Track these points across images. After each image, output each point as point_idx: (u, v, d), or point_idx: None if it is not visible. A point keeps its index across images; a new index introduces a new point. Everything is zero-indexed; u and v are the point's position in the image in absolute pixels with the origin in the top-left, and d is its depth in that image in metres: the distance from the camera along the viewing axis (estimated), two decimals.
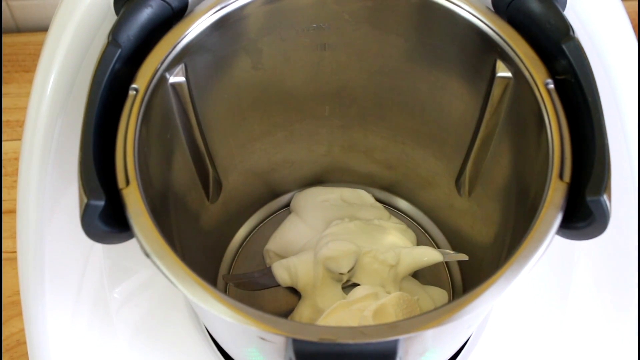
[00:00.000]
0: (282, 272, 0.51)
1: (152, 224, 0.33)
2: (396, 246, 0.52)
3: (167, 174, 0.41)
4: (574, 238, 0.34)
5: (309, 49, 0.45)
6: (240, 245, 0.57)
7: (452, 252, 0.54)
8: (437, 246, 0.57)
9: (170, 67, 0.39)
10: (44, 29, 0.52)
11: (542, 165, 0.35)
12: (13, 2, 0.79)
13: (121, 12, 0.38)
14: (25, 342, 0.46)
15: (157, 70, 0.37)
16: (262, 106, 0.48)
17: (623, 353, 0.46)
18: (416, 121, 0.50)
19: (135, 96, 0.36)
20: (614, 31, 0.44)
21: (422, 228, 0.58)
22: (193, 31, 0.39)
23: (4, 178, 0.70)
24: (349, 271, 0.50)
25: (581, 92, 0.35)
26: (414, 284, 0.52)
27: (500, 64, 0.40)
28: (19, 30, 0.83)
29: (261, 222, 0.59)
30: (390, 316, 0.45)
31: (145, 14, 0.38)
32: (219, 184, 0.50)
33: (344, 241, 0.50)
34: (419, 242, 0.56)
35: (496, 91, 0.41)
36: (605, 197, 0.32)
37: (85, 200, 0.31)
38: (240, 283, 0.52)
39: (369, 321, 0.44)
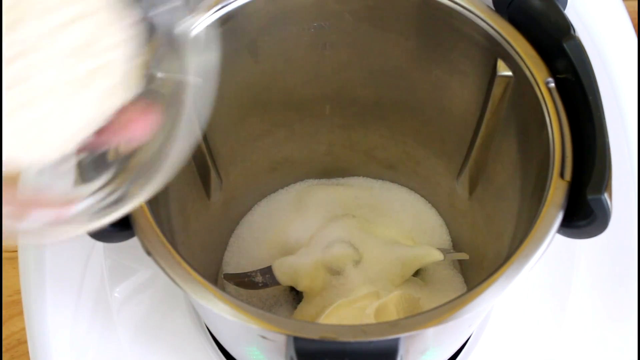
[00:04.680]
0: (282, 271, 0.51)
1: (153, 223, 0.33)
2: (397, 243, 0.52)
3: None
4: (575, 237, 0.34)
5: (310, 48, 0.45)
6: None
7: (452, 251, 0.54)
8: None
9: None
10: None
11: (543, 164, 0.35)
12: None
13: None
14: (26, 341, 0.46)
15: None
16: (263, 105, 0.48)
17: (623, 353, 0.46)
18: (417, 120, 0.50)
19: None
20: (615, 30, 0.44)
21: None
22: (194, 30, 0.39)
23: None
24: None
25: (582, 90, 0.35)
26: (415, 283, 0.52)
27: (501, 63, 0.40)
28: None
29: None
30: (392, 315, 0.44)
31: None
32: (219, 183, 0.50)
33: (344, 242, 0.50)
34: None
35: (497, 90, 0.41)
36: (606, 195, 0.32)
37: None
38: (240, 282, 0.52)
39: (371, 320, 0.44)
